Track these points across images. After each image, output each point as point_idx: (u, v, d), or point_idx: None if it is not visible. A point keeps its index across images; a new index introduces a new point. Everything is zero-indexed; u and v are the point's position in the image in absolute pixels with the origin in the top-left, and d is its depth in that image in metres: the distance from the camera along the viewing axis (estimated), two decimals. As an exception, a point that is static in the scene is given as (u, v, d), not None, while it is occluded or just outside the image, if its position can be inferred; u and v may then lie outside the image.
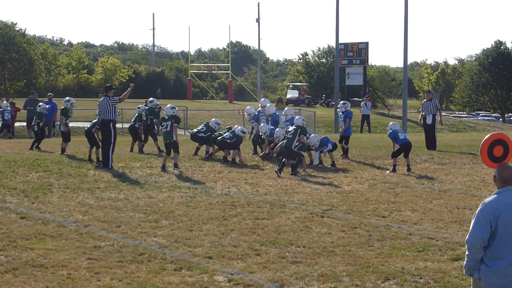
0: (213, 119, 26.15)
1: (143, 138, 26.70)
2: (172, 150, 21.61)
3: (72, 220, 14.20)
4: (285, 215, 15.05)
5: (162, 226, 13.81)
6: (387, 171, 21.92)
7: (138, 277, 10.37)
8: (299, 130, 21.83)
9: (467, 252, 7.34)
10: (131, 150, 26.24)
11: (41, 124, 27.26)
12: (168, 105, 22.95)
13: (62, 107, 25.75)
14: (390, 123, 23.61)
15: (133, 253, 11.66)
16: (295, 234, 13.25)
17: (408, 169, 21.97)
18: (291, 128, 22.27)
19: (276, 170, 21.10)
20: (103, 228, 13.61)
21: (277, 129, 24.16)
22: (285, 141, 21.97)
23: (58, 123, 26.52)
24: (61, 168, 21.01)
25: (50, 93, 37.35)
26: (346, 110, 25.41)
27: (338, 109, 26.17)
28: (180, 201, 16.48)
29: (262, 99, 28.35)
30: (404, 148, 22.22)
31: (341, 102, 26.50)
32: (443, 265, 11.20)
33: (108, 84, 24.50)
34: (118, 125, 30.66)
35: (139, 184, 18.76)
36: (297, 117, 24.32)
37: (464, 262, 7.45)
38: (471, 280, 7.58)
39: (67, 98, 26.84)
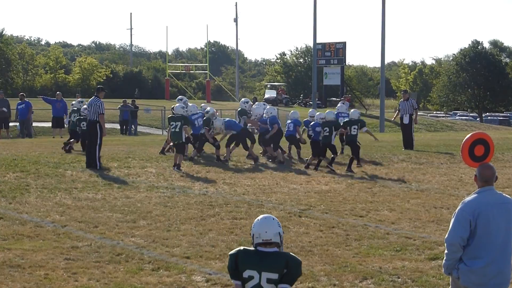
0: None
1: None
2: (177, 149, 21.54)
3: (50, 221, 14.13)
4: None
5: (140, 226, 13.78)
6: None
7: (115, 278, 10.34)
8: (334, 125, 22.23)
9: (446, 251, 7.35)
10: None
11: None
12: (177, 104, 22.76)
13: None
14: (291, 111, 24.28)
15: (111, 254, 11.62)
16: (273, 234, 13.23)
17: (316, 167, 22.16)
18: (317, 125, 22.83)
19: (306, 166, 22.28)
20: (81, 228, 13.55)
21: (216, 119, 23.60)
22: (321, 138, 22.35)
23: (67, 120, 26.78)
24: (38, 168, 20.89)
25: (22, 93, 36.95)
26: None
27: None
28: (158, 201, 16.44)
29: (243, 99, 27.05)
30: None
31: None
32: (421, 264, 11.25)
33: (99, 86, 24.46)
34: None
35: (117, 184, 18.68)
36: (353, 110, 24.41)
37: (443, 261, 7.47)
38: (450, 279, 7.60)
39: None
